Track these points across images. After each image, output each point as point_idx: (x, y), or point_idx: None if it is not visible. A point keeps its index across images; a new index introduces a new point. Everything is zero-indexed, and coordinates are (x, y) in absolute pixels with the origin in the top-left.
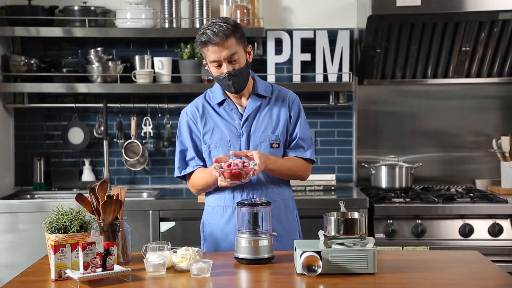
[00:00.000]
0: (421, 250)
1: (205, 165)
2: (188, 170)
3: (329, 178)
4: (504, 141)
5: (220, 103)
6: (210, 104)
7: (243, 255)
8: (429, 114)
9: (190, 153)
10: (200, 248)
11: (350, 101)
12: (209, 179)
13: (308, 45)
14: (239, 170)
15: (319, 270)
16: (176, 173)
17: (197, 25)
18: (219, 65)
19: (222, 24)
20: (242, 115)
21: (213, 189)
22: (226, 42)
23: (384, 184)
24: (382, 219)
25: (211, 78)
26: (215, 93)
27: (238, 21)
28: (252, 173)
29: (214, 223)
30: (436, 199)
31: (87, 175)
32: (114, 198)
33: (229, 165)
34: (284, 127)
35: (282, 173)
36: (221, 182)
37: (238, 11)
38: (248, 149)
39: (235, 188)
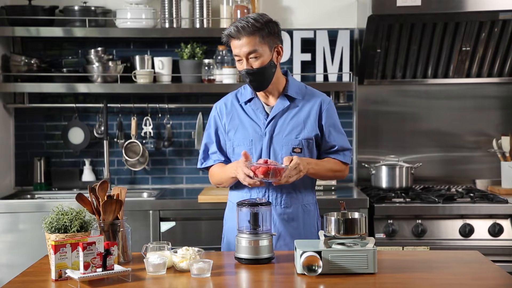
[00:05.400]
0: (421, 250)
1: (226, 161)
2: (209, 163)
3: None
4: (504, 141)
5: (248, 101)
6: (239, 101)
7: (243, 255)
8: (429, 114)
9: (213, 147)
10: (200, 248)
11: (350, 101)
12: (223, 177)
13: (308, 45)
14: (274, 166)
15: (319, 270)
16: (198, 165)
17: (197, 25)
18: (240, 60)
19: (250, 20)
20: (268, 115)
21: (233, 185)
22: (247, 39)
23: (384, 184)
24: (382, 219)
25: (211, 78)
26: (246, 90)
27: None
28: (284, 173)
29: (233, 218)
30: (436, 199)
31: (87, 175)
32: (114, 198)
33: (265, 162)
34: (310, 132)
35: (323, 175)
36: (250, 180)
37: (238, 11)
38: (269, 150)
39: (253, 187)
